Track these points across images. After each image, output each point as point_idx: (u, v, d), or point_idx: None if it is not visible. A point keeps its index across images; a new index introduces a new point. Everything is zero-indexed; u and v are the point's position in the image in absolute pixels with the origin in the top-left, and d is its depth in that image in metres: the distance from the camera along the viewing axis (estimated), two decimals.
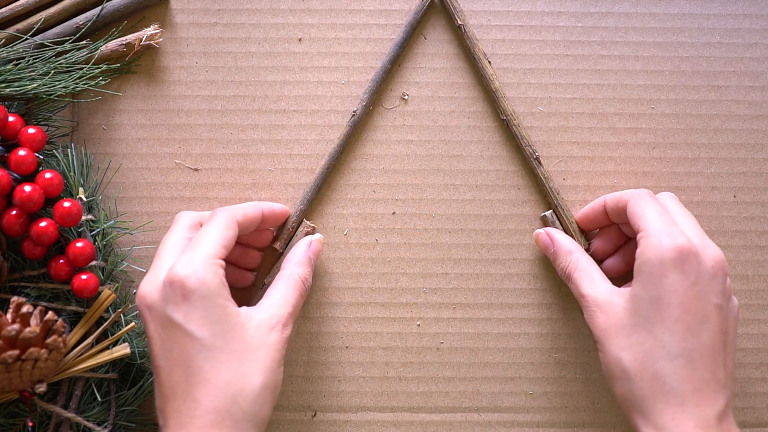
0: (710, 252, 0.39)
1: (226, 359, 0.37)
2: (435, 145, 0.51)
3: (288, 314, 0.41)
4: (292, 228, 0.49)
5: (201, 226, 0.44)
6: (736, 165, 0.51)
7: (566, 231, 0.49)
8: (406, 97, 0.51)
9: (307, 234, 0.48)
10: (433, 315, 0.50)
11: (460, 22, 0.50)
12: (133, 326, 0.45)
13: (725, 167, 0.51)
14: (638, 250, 0.40)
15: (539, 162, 0.49)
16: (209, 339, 0.37)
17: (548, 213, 0.49)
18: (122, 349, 0.45)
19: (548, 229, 0.48)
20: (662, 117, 0.51)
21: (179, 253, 0.41)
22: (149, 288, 0.39)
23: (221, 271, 0.39)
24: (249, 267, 0.49)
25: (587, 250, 0.48)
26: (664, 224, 0.40)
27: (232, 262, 0.48)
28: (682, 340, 0.38)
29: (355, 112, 0.49)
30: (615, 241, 0.48)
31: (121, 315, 0.45)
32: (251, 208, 0.45)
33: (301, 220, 0.49)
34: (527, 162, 0.50)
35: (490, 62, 0.50)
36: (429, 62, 0.51)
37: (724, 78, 0.51)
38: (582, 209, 0.49)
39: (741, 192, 0.51)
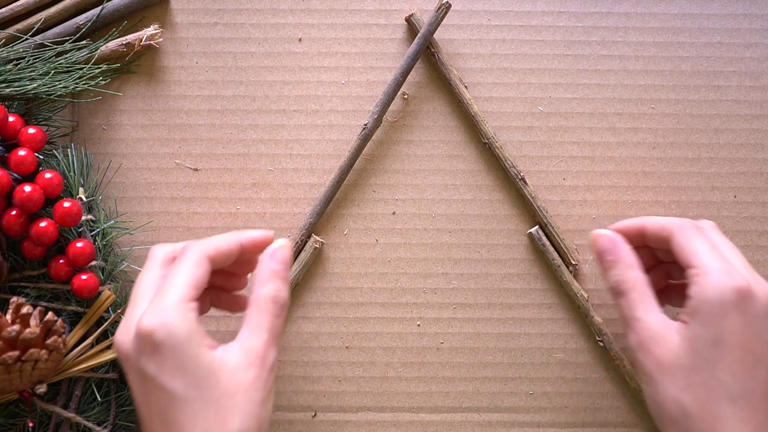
0: (762, 289, 0.39)
1: (201, 409, 0.36)
2: (435, 144, 0.51)
3: (264, 342, 0.39)
4: (300, 242, 0.48)
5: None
6: (737, 165, 0.51)
7: (556, 248, 0.49)
8: (406, 96, 0.51)
9: (315, 249, 0.47)
10: (434, 315, 0.50)
11: (433, 50, 0.49)
12: None
13: (725, 167, 0.51)
14: (695, 289, 0.39)
15: (525, 182, 0.49)
16: (183, 390, 0.36)
17: (534, 230, 0.49)
18: None
19: (611, 233, 0.44)
20: (662, 117, 0.51)
21: (152, 296, 0.39)
22: (123, 338, 0.38)
23: (192, 315, 0.37)
24: (239, 289, 0.47)
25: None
26: (720, 262, 0.39)
27: (218, 287, 0.46)
28: (743, 381, 0.37)
29: (365, 125, 0.49)
30: (644, 263, 0.45)
31: (121, 315, 0.45)
32: (226, 241, 0.42)
33: (309, 235, 0.48)
34: (513, 182, 0.50)
35: (466, 87, 0.50)
36: (429, 62, 0.51)
37: (725, 78, 0.51)
38: (616, 225, 0.45)
39: (741, 192, 0.51)
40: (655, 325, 0.40)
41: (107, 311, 0.45)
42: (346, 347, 0.50)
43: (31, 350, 0.39)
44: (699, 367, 0.38)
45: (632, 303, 0.41)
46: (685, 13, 0.51)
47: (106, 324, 0.45)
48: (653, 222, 0.44)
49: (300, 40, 0.51)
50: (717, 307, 0.38)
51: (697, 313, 0.38)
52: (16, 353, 0.39)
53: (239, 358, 0.38)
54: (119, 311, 0.45)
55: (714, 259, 0.39)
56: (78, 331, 0.45)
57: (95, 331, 0.45)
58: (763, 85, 0.51)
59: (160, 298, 0.38)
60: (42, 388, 0.41)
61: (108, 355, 0.45)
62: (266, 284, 0.41)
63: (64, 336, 0.42)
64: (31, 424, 0.43)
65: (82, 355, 0.44)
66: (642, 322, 0.40)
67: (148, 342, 0.36)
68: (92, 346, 0.45)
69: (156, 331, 0.36)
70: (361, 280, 0.50)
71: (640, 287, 0.42)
